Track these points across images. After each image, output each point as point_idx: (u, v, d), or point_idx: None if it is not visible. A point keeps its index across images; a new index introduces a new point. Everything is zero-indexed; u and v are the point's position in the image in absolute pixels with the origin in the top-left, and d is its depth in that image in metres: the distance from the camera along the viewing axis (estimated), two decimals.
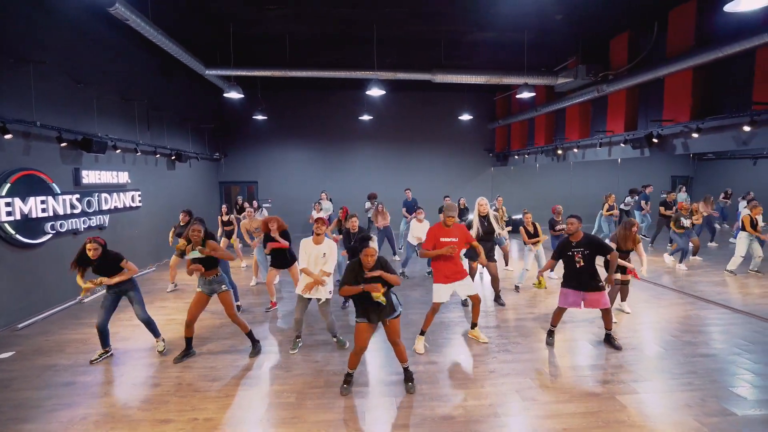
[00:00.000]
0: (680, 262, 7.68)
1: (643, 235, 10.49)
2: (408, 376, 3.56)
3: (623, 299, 5.29)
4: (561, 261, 4.32)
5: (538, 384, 3.64)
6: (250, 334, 4.30)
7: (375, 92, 7.73)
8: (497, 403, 3.35)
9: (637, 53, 7.57)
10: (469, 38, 8.35)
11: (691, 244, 8.13)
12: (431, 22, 7.51)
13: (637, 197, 10.89)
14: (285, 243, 5.39)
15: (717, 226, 10.17)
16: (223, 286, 4.18)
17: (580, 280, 4.19)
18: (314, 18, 7.22)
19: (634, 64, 7.41)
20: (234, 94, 7.59)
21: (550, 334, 4.49)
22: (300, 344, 4.44)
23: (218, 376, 3.85)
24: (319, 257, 4.21)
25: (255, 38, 8.13)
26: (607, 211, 9.44)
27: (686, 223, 7.41)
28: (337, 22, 7.43)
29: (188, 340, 4.25)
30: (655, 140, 6.85)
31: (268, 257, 6.28)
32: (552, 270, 7.39)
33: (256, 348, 4.32)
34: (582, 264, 4.14)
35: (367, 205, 9.90)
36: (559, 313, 4.42)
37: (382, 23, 7.46)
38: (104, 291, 4.23)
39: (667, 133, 6.81)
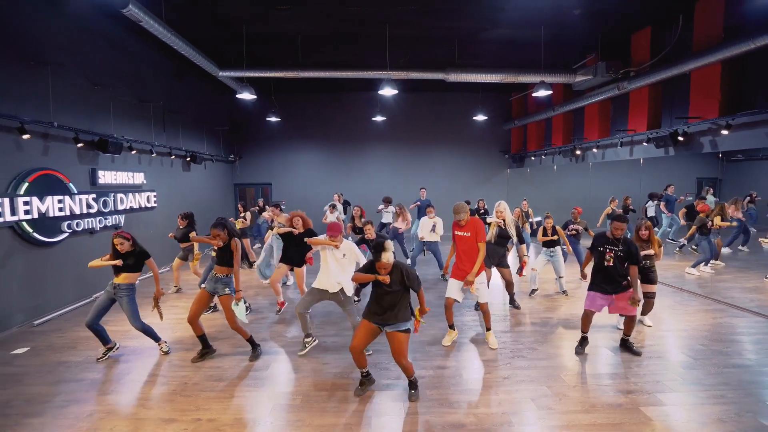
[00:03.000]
0: (705, 265, 7.32)
1: (671, 239, 10.07)
2: (412, 385, 3.39)
3: (645, 312, 4.92)
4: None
5: (554, 392, 3.44)
6: (250, 340, 4.20)
7: (387, 92, 7.64)
8: (511, 412, 3.17)
9: (660, 48, 7.26)
10: (483, 36, 8.19)
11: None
12: (444, 20, 7.38)
13: (657, 201, 10.47)
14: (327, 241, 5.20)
15: (752, 229, 9.64)
16: (227, 289, 4.07)
17: (607, 281, 3.99)
18: (326, 17, 7.20)
19: (658, 60, 7.11)
20: (247, 95, 7.62)
21: (582, 342, 4.24)
22: (311, 346, 4.28)
23: (224, 377, 3.80)
24: (339, 259, 4.10)
25: (267, 39, 8.16)
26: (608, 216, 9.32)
27: (710, 224, 7.14)
28: (349, 21, 7.38)
29: (201, 338, 4.17)
30: (680, 138, 6.53)
31: (272, 263, 6.21)
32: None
33: (256, 352, 4.19)
34: (611, 264, 3.95)
35: (381, 207, 9.80)
36: (586, 317, 4.18)
37: (394, 22, 7.38)
38: (106, 289, 4.21)
39: (694, 130, 6.49)
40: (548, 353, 4.22)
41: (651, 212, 11.01)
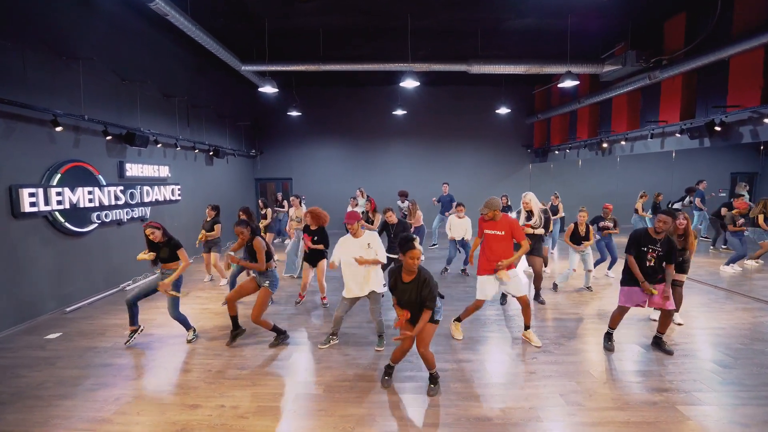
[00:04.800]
0: (730, 264, 6.99)
1: (704, 237, 9.65)
2: (433, 380, 3.31)
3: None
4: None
5: (584, 388, 3.32)
6: (275, 329, 4.24)
7: (409, 84, 7.54)
8: (539, 407, 3.07)
9: (694, 35, 6.90)
10: (507, 26, 7.98)
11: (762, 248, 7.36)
12: (467, 10, 7.21)
13: (689, 197, 10.07)
14: (318, 246, 5.25)
15: None
16: (266, 282, 4.15)
17: (644, 275, 3.81)
18: (347, 9, 7.14)
19: (693, 47, 6.75)
20: (269, 89, 7.67)
21: (609, 337, 4.08)
22: (333, 342, 4.24)
23: (247, 365, 3.82)
24: (363, 248, 3.98)
25: (289, 34, 8.18)
26: (643, 211, 9.01)
27: (740, 222, 6.80)
28: (370, 14, 7.31)
29: (233, 318, 4.27)
30: (717, 128, 6.19)
31: (299, 257, 6.24)
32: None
33: (280, 337, 4.26)
34: (652, 264, 3.76)
35: (398, 202, 9.75)
36: (620, 313, 4.00)
37: (415, 13, 7.26)
38: (157, 273, 4.33)
39: (732, 120, 6.14)
40: (576, 349, 4.07)
41: (678, 207, 10.55)
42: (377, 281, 3.99)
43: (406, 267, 3.10)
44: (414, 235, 3.19)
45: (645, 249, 3.79)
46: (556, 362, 3.78)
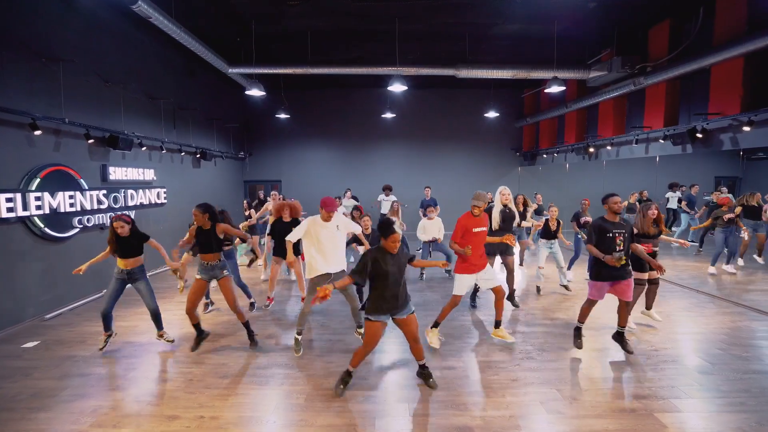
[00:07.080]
0: (727, 263, 7.10)
1: (692, 241, 9.78)
2: (427, 373, 3.46)
3: (649, 306, 4.80)
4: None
5: (565, 396, 3.34)
6: (246, 324, 4.26)
7: (397, 88, 7.56)
8: (519, 415, 3.08)
9: (678, 43, 7.02)
10: (495, 31, 8.03)
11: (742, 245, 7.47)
12: (455, 15, 7.25)
13: (680, 193, 10.18)
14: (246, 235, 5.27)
15: None
16: (225, 271, 4.10)
17: (614, 268, 3.84)
18: (335, 13, 7.13)
19: (676, 54, 6.87)
20: (255, 92, 7.62)
21: (578, 332, 4.17)
22: (301, 344, 4.22)
23: (228, 373, 3.78)
24: (334, 231, 4.03)
25: (277, 36, 8.14)
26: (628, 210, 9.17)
27: (726, 217, 6.92)
28: (359, 17, 7.31)
29: (196, 326, 4.25)
30: (699, 135, 6.31)
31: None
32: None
33: (253, 341, 4.29)
34: (622, 248, 3.83)
35: (381, 196, 9.71)
36: (588, 306, 4.12)
37: (404, 17, 7.28)
38: (115, 277, 4.19)
39: (713, 127, 6.26)
40: (559, 355, 4.10)
41: (672, 204, 10.57)
42: (343, 259, 4.15)
43: (387, 251, 3.20)
44: (392, 219, 3.27)
45: (611, 234, 3.84)
46: (539, 369, 3.80)
